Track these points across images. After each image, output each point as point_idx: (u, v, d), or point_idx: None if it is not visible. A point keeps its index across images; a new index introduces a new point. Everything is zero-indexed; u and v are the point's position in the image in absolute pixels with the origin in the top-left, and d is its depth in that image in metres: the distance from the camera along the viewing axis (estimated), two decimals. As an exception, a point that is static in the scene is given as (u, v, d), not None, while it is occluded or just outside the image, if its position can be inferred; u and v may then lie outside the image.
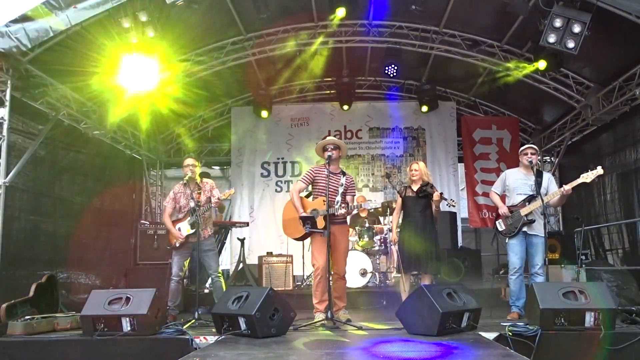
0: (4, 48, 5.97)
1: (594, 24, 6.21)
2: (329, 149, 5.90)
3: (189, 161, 6.35)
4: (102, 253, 9.16)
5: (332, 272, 5.90)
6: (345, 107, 10.62)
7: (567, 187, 5.68)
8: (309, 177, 5.99)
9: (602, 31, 6.53)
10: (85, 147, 8.82)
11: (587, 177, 5.57)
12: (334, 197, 5.80)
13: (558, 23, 6.26)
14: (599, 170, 5.54)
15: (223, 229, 9.68)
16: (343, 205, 5.76)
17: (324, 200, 5.69)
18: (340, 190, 5.86)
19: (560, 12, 6.23)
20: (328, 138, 6.18)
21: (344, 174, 6.01)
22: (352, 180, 6.12)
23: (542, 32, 6.40)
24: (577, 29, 6.25)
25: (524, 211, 5.88)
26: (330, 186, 5.75)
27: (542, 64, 7.46)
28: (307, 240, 6.27)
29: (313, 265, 5.88)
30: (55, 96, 7.49)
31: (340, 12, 7.57)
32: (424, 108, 10.50)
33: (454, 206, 6.85)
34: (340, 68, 10.24)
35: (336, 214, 5.74)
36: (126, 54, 6.76)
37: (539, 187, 5.83)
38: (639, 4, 5.74)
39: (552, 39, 6.37)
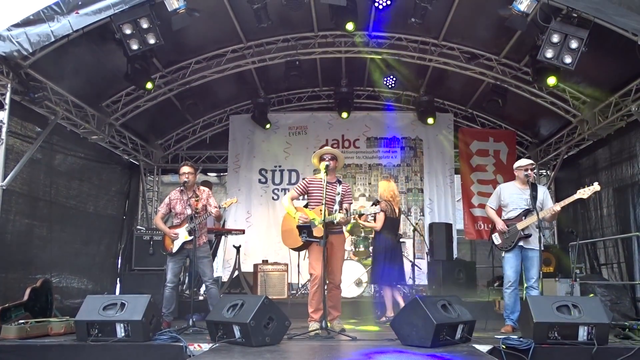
0: (5, 52, 6.01)
1: (591, 40, 6.27)
2: (327, 159, 5.92)
3: (185, 169, 6.37)
4: (94, 258, 9.15)
5: (328, 282, 5.92)
6: (344, 114, 10.62)
7: (557, 207, 5.79)
8: (302, 188, 6.07)
9: (599, 47, 6.59)
10: (83, 151, 8.84)
11: (584, 192, 5.62)
12: (331, 206, 5.81)
13: (556, 38, 6.31)
14: (596, 186, 5.59)
15: (216, 236, 9.66)
16: (341, 211, 5.78)
17: (321, 210, 5.70)
18: (338, 199, 5.88)
19: (558, 28, 6.28)
20: (325, 148, 6.22)
21: (339, 182, 6.03)
22: (349, 189, 6.14)
23: (540, 47, 6.45)
24: (574, 44, 6.30)
25: (520, 225, 5.90)
26: (327, 195, 5.74)
27: (551, 80, 7.48)
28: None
29: (311, 275, 5.89)
30: (54, 100, 7.51)
31: (350, 26, 7.69)
32: (430, 120, 10.52)
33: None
34: (339, 78, 10.29)
35: (335, 222, 5.74)
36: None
37: (535, 201, 5.87)
38: (635, 21, 5.80)
39: (549, 54, 6.42)
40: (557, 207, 5.78)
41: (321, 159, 5.98)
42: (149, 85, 7.90)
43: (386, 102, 11.16)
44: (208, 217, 6.43)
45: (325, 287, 5.77)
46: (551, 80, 7.45)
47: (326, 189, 5.77)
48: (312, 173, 10.36)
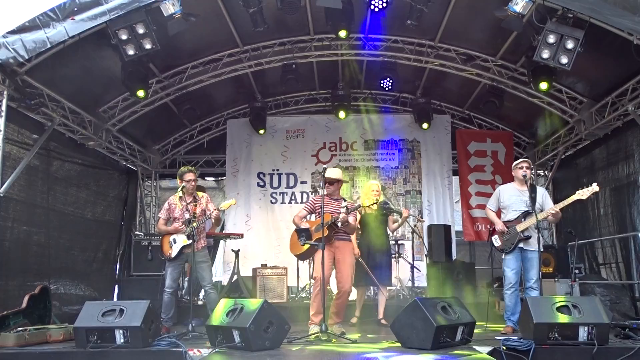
0: (1, 59, 6.01)
1: (587, 40, 6.28)
2: (328, 184, 6.05)
3: (190, 176, 6.36)
4: (93, 264, 9.13)
5: (337, 289, 6.00)
6: (342, 113, 10.53)
7: (557, 208, 5.80)
8: (310, 206, 6.24)
9: (595, 47, 6.60)
10: (80, 157, 8.83)
11: (583, 193, 5.63)
12: (337, 216, 5.92)
13: (551, 39, 6.32)
14: (595, 187, 5.59)
15: (214, 240, 9.64)
16: (342, 210, 5.84)
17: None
18: (343, 211, 5.96)
19: (554, 29, 6.29)
20: (330, 172, 6.13)
21: (344, 200, 6.17)
22: (354, 204, 6.22)
23: (536, 48, 6.47)
24: (570, 45, 6.31)
25: (520, 227, 5.90)
26: (332, 210, 5.92)
27: (543, 85, 7.57)
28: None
29: (315, 278, 5.95)
30: (51, 106, 7.50)
31: (342, 33, 7.75)
32: (425, 125, 10.57)
33: (423, 221, 8.64)
34: (336, 80, 10.29)
35: (338, 223, 5.80)
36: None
37: (534, 202, 5.86)
38: (630, 21, 5.82)
39: (545, 54, 6.43)
40: (557, 207, 5.78)
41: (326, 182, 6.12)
42: (141, 93, 7.78)
43: (383, 105, 11.17)
44: (206, 220, 6.42)
45: (335, 293, 5.86)
46: (543, 86, 7.56)
47: (330, 204, 5.97)
48: (311, 176, 10.43)
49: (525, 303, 4.92)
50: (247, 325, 4.67)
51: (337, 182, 6.12)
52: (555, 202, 6.07)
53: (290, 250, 6.27)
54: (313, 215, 6.33)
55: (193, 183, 6.38)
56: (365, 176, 10.96)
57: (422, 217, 8.55)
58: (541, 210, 5.93)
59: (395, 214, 7.44)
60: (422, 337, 4.66)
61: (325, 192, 5.99)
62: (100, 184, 9.55)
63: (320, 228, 5.79)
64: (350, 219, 5.95)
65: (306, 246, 5.90)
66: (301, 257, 6.34)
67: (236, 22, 8.04)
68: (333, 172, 6.18)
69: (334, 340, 5.37)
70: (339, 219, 5.78)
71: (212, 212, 6.32)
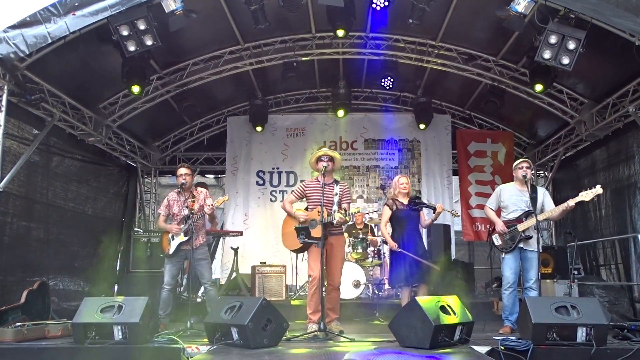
0: (2, 53, 5.99)
1: (589, 41, 6.28)
2: (324, 160, 5.94)
3: (182, 170, 6.35)
4: (92, 260, 9.12)
5: (327, 283, 5.92)
6: (341, 112, 10.51)
7: (571, 203, 5.67)
8: (300, 192, 6.14)
9: (597, 48, 6.60)
10: (80, 153, 8.82)
11: (587, 195, 5.59)
12: (330, 207, 5.82)
13: (553, 39, 6.32)
14: (599, 189, 5.56)
15: (214, 237, 9.64)
16: (340, 211, 5.77)
17: (318, 211, 5.70)
18: (336, 199, 5.89)
19: (556, 29, 6.28)
20: (323, 149, 6.22)
21: (337, 182, 6.05)
22: (347, 189, 6.15)
23: (538, 48, 6.46)
24: (571, 45, 6.30)
25: (521, 227, 5.89)
26: (325, 197, 5.76)
27: (538, 87, 7.61)
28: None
29: (309, 276, 5.90)
30: (51, 102, 7.49)
31: (340, 32, 7.72)
32: (422, 126, 10.59)
33: (457, 216, 8.53)
34: (337, 79, 10.28)
35: (334, 222, 5.75)
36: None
37: (535, 202, 5.85)
38: (632, 22, 5.81)
39: (547, 55, 6.43)
40: (572, 202, 5.66)
41: (318, 160, 6.00)
42: (136, 89, 7.66)
43: (384, 104, 11.17)
44: (203, 216, 6.40)
45: (324, 289, 5.78)
46: (538, 87, 7.59)
47: (324, 190, 5.79)
48: (311, 174, 10.39)
49: (523, 303, 4.92)
50: (245, 322, 4.67)
51: (332, 162, 5.97)
52: (556, 203, 6.05)
53: (284, 244, 6.22)
54: (304, 203, 6.20)
55: (187, 178, 6.32)
56: (365, 175, 10.97)
57: (457, 213, 8.02)
58: (542, 211, 5.92)
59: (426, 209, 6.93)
60: (420, 336, 4.65)
61: (322, 172, 5.86)
62: (100, 180, 9.54)
63: (315, 225, 5.75)
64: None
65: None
66: (296, 251, 6.31)
67: (237, 19, 8.03)
68: (329, 151, 6.12)
69: (332, 338, 5.36)
70: (335, 221, 5.74)
71: (206, 208, 6.28)
